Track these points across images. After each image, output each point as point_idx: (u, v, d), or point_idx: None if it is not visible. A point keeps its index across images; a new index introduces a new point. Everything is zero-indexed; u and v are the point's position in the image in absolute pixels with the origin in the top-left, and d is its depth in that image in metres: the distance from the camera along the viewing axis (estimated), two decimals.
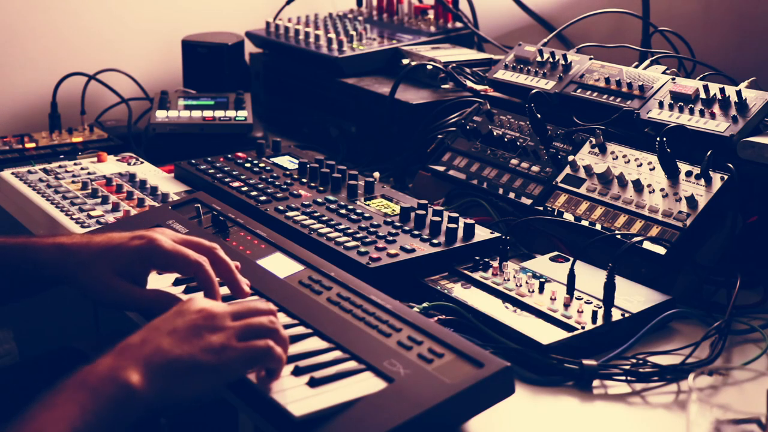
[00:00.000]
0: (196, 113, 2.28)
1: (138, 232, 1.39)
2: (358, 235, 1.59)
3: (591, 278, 1.48)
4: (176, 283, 1.46)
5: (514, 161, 1.84)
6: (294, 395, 1.14)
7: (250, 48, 2.65)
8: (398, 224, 1.64)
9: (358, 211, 1.69)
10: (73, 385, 1.07)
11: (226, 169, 1.95)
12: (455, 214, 1.64)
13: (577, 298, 1.43)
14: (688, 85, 1.74)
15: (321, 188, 1.83)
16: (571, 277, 1.44)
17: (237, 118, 2.26)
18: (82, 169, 2.07)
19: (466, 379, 1.14)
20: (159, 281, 1.43)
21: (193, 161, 2.00)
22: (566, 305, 1.41)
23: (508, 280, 1.49)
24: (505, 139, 1.88)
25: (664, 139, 1.61)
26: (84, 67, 2.48)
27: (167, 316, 1.18)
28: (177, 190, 1.93)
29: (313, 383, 1.16)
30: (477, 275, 1.51)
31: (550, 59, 1.99)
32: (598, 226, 1.62)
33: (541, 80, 1.96)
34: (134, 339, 1.14)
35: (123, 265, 1.34)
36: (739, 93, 1.66)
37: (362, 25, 2.58)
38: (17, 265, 1.39)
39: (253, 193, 1.80)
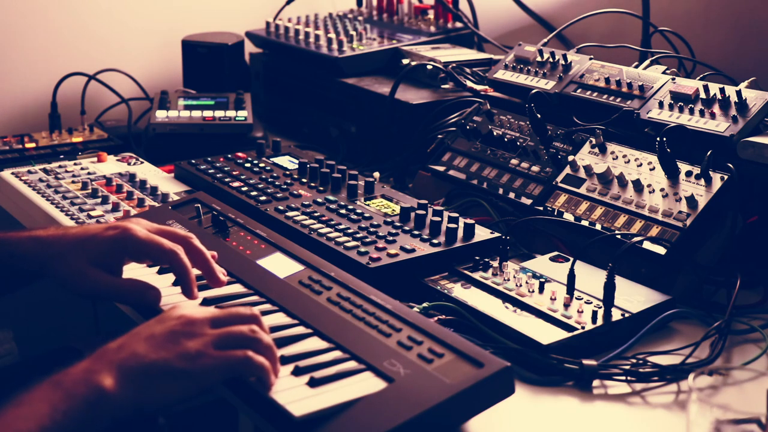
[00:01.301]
0: (196, 113, 2.28)
1: (113, 223, 1.41)
2: (358, 235, 1.59)
3: (591, 278, 1.48)
4: (176, 283, 1.45)
5: (514, 161, 1.84)
6: (294, 395, 1.14)
7: (250, 48, 2.65)
8: (398, 224, 1.64)
9: (358, 211, 1.69)
10: (48, 385, 1.09)
11: (226, 169, 1.95)
12: (455, 214, 1.64)
13: (577, 298, 1.43)
14: (688, 85, 1.74)
15: (321, 188, 1.83)
16: (571, 277, 1.44)
17: (237, 118, 2.26)
18: (82, 169, 2.07)
19: (466, 379, 1.13)
20: (159, 281, 1.43)
21: (193, 161, 2.00)
22: (566, 305, 1.41)
23: (508, 280, 1.49)
24: (505, 139, 1.88)
25: (664, 139, 1.61)
26: (84, 67, 2.48)
27: (149, 323, 1.19)
28: (177, 190, 1.94)
29: (313, 383, 1.16)
30: (477, 275, 1.51)
31: (550, 59, 1.99)
32: (598, 226, 1.62)
33: (541, 80, 1.96)
34: (113, 344, 1.15)
35: (98, 255, 1.36)
36: (739, 93, 1.66)
37: (362, 25, 2.58)
38: None
39: (253, 193, 1.80)
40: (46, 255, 1.37)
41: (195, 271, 1.38)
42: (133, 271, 1.45)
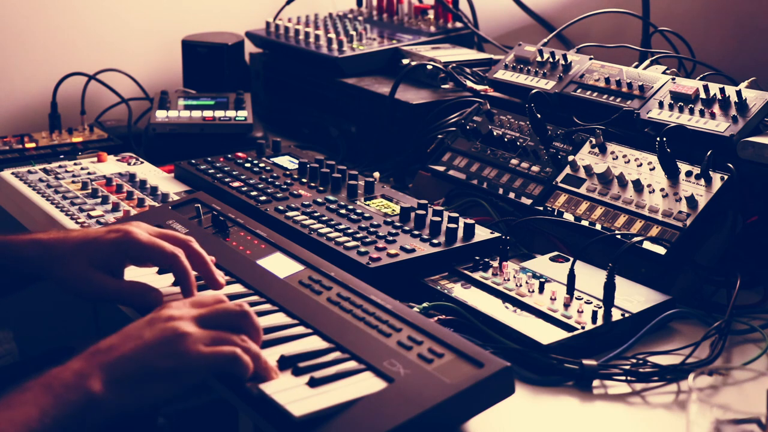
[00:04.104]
0: (196, 113, 2.28)
1: (114, 226, 1.41)
2: (358, 235, 1.59)
3: (591, 278, 1.48)
4: (176, 283, 1.45)
5: (514, 161, 1.84)
6: (294, 395, 1.14)
7: (250, 48, 2.65)
8: (398, 224, 1.64)
9: (358, 211, 1.69)
10: (38, 387, 1.08)
11: (226, 169, 1.95)
12: (455, 214, 1.64)
13: (577, 298, 1.43)
14: (688, 85, 1.74)
15: (321, 188, 1.83)
16: (571, 277, 1.44)
17: (237, 118, 2.26)
18: (82, 169, 2.07)
19: (466, 379, 1.13)
20: (159, 281, 1.43)
21: (193, 161, 2.00)
22: (566, 305, 1.41)
23: (508, 280, 1.49)
24: (505, 139, 1.88)
25: (664, 139, 1.61)
26: (84, 67, 2.48)
27: (139, 324, 1.18)
28: (177, 190, 1.94)
29: (313, 383, 1.16)
30: (477, 275, 1.51)
31: (550, 59, 1.99)
32: (598, 226, 1.62)
33: (541, 80, 1.96)
34: (104, 344, 1.15)
35: (99, 258, 1.36)
36: (739, 93, 1.66)
37: (362, 25, 2.58)
38: None
39: (253, 193, 1.80)
40: (48, 258, 1.37)
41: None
42: (133, 271, 1.45)
